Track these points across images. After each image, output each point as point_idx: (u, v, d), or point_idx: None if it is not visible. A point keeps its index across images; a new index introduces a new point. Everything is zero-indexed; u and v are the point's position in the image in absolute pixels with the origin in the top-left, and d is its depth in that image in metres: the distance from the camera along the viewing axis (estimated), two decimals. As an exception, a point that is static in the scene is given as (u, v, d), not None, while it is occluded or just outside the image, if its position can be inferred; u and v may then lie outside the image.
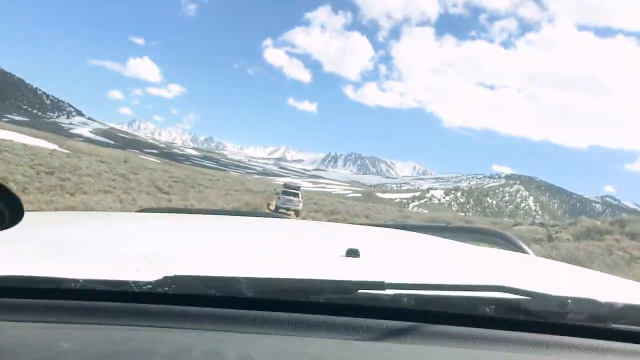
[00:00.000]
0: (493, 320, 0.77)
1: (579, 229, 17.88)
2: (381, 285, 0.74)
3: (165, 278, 0.73)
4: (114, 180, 28.85)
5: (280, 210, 30.53)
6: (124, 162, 60.77)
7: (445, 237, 1.89)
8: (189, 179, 45.30)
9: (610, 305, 0.75)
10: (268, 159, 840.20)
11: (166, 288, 0.73)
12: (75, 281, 0.73)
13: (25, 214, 0.59)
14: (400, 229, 2.12)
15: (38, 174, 24.28)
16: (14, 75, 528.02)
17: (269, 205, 32.31)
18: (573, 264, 1.86)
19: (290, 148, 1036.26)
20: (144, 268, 0.86)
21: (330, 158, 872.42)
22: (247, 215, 2.46)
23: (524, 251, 1.80)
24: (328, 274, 0.81)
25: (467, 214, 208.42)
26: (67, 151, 66.01)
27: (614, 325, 0.76)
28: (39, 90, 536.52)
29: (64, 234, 1.30)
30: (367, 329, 0.73)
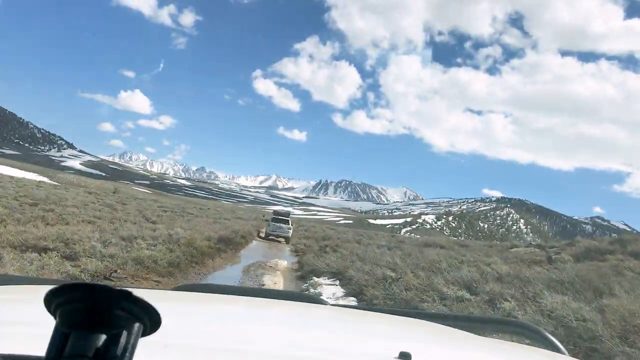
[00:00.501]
0: None
1: (578, 249, 17.41)
2: None
3: None
4: (100, 210, 28.23)
5: (270, 237, 30.23)
6: (113, 192, 60.13)
7: (475, 329, 1.91)
8: (179, 209, 44.73)
9: None
10: (259, 187, 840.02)
11: None
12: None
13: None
14: (430, 319, 2.02)
15: (21, 206, 23.65)
16: (6, 110, 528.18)
17: (259, 232, 31.83)
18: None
19: (281, 176, 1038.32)
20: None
21: (321, 185, 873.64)
22: (284, 299, 2.32)
23: (557, 348, 1.75)
24: None
25: (460, 238, 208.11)
26: (56, 183, 65.39)
27: None
28: (30, 124, 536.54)
29: None
30: None
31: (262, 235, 30.59)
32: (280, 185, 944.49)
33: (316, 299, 2.20)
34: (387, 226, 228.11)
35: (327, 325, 1.65)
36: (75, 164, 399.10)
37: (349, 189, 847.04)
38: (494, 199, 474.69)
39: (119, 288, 0.59)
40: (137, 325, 0.61)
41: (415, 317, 2.08)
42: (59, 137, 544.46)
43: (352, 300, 8.93)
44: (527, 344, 1.93)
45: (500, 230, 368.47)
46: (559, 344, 1.82)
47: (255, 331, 1.35)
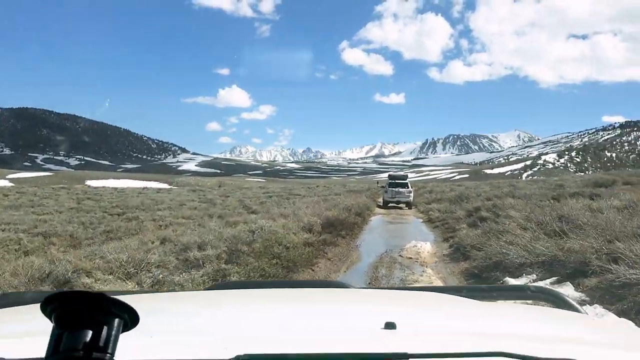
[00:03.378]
0: None
1: None
2: (405, 356, 0.86)
3: (237, 357, 0.86)
4: (195, 208, 25.60)
5: (389, 204, 26.15)
6: (218, 187, 58.27)
7: (488, 298, 1.93)
8: (285, 192, 41.56)
9: None
10: (366, 158, 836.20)
11: None
12: None
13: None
14: (446, 292, 2.01)
15: (104, 218, 20.91)
16: (120, 128, 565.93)
17: (377, 203, 27.62)
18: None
19: (386, 143, 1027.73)
20: (218, 348, 1.01)
21: (428, 145, 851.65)
22: (307, 287, 2.51)
23: (572, 307, 1.76)
24: (368, 347, 0.98)
25: (587, 172, 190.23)
26: (167, 186, 65.08)
27: None
28: (144, 136, 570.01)
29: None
30: None
31: (380, 203, 27.29)
32: (386, 152, 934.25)
33: (342, 284, 2.27)
34: (506, 173, 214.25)
35: (333, 305, 1.72)
36: (191, 166, 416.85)
37: (457, 142, 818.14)
38: (617, 124, 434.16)
39: (98, 292, 0.71)
40: (116, 321, 0.72)
41: (428, 291, 2.09)
42: (172, 144, 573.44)
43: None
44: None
45: (631, 157, 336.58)
46: (578, 306, 1.76)
47: (258, 314, 1.51)
